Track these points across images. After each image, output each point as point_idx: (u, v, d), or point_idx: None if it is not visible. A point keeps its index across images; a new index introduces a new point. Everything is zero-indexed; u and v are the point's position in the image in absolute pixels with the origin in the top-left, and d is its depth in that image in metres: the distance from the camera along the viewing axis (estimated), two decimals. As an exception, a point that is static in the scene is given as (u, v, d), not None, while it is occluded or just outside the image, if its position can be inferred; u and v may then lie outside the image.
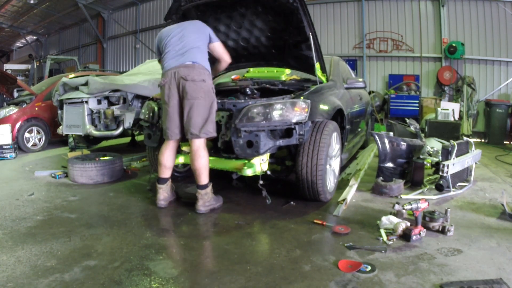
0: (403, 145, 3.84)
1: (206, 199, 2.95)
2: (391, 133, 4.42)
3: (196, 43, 2.95)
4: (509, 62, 8.09)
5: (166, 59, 2.95)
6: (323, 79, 3.64)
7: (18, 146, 5.74)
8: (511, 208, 2.94)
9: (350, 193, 3.25)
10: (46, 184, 3.87)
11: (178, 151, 3.50)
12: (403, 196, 3.34)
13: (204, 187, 2.94)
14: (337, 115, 3.49)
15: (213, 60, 4.12)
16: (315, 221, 2.70)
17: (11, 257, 2.13)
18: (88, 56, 15.46)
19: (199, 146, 2.87)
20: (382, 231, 2.48)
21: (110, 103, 4.98)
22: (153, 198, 3.30)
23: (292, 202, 3.13)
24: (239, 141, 2.84)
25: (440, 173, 3.42)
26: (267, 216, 2.86)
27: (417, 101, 8.38)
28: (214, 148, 3.24)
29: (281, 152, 3.29)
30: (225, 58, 3.19)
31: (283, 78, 4.09)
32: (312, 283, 1.86)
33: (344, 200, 3.05)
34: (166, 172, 3.07)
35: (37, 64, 12.67)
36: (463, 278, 1.90)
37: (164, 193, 3.08)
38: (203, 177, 2.92)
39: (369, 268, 2.00)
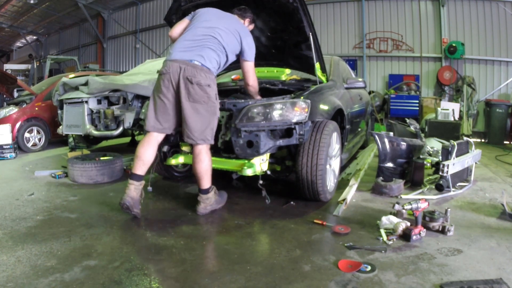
0: (403, 145, 3.84)
1: (208, 203, 2.89)
2: (391, 133, 4.42)
3: (216, 46, 2.73)
4: (509, 62, 8.10)
5: (177, 44, 2.74)
6: (323, 79, 3.64)
7: (18, 146, 5.74)
8: (511, 208, 2.94)
9: (350, 193, 3.25)
10: (46, 184, 3.86)
11: (178, 151, 3.51)
12: (403, 196, 3.34)
13: (206, 191, 2.86)
14: (337, 115, 3.49)
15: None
16: (315, 221, 2.70)
17: (11, 257, 2.13)
18: (88, 56, 15.47)
19: (201, 150, 2.75)
20: (382, 231, 2.48)
21: (110, 103, 4.98)
22: (153, 198, 3.30)
23: (292, 202, 3.13)
24: (239, 141, 2.84)
25: (440, 173, 3.42)
26: (267, 216, 2.86)
27: (417, 101, 8.39)
28: (214, 148, 3.24)
29: (281, 152, 3.29)
30: (248, 81, 3.02)
31: (283, 78, 4.09)
32: (312, 283, 1.86)
33: (344, 200, 3.05)
34: (142, 168, 2.75)
35: (37, 64, 12.68)
36: (463, 278, 1.90)
37: (134, 192, 2.70)
38: (204, 182, 2.82)
39: (369, 268, 2.00)
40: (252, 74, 3.01)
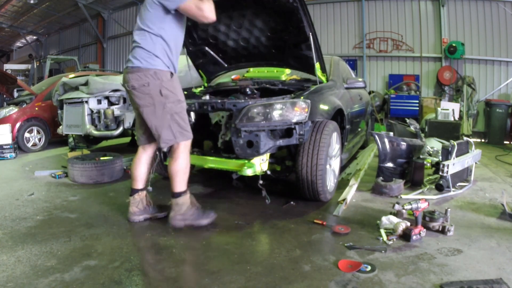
0: (403, 145, 3.84)
1: (178, 212, 2.56)
2: (391, 133, 4.42)
3: (144, 37, 2.41)
4: (509, 62, 8.10)
5: None
6: (323, 79, 3.65)
7: (18, 146, 5.74)
8: (511, 208, 2.94)
9: (350, 193, 3.25)
10: (46, 184, 3.86)
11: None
12: (403, 196, 3.34)
13: (177, 195, 2.56)
14: (337, 115, 3.49)
15: (214, 61, 4.10)
16: (315, 221, 2.70)
17: (11, 257, 2.13)
18: (88, 56, 15.46)
19: (175, 148, 2.53)
20: (382, 231, 2.48)
21: (110, 103, 4.98)
22: (153, 198, 3.29)
23: (292, 202, 3.13)
24: (239, 141, 2.84)
25: (440, 173, 3.42)
26: (267, 216, 2.86)
27: (417, 101, 8.39)
28: (214, 148, 3.24)
29: (281, 152, 3.29)
30: (202, 18, 2.43)
31: (283, 78, 4.09)
32: (312, 283, 1.86)
33: (344, 200, 3.05)
34: (134, 183, 2.73)
35: (37, 64, 12.67)
36: (463, 278, 1.90)
37: (133, 207, 2.71)
38: (177, 184, 2.55)
39: (369, 268, 2.00)
40: (196, 10, 2.38)
